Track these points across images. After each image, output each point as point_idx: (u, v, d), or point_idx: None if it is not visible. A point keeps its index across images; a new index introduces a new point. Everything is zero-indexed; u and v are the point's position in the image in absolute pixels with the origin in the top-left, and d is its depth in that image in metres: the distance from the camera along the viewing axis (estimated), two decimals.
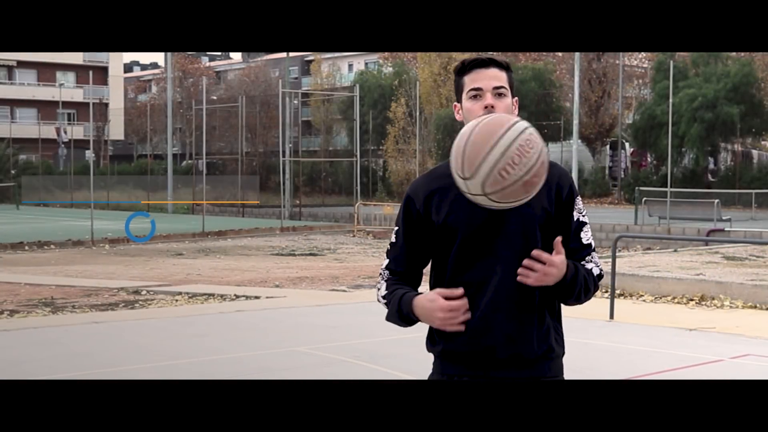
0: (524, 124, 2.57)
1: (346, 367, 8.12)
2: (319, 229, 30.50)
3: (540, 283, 2.66)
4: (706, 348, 9.13)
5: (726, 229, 25.02)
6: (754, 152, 44.64)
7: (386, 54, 56.41)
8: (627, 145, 44.58)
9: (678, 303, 11.98)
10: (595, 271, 2.84)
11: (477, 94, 2.79)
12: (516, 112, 2.82)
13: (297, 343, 9.33)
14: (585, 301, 2.82)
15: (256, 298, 13.21)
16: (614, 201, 41.17)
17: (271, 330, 10.33)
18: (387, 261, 2.91)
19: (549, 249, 2.72)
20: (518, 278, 2.65)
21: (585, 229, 2.87)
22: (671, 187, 28.73)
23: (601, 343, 9.35)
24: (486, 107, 2.76)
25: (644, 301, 12.21)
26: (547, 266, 2.63)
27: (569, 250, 2.80)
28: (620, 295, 12.22)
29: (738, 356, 8.76)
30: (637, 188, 31.32)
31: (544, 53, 44.87)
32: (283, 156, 36.26)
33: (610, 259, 11.73)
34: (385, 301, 2.86)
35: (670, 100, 31.19)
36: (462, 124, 2.82)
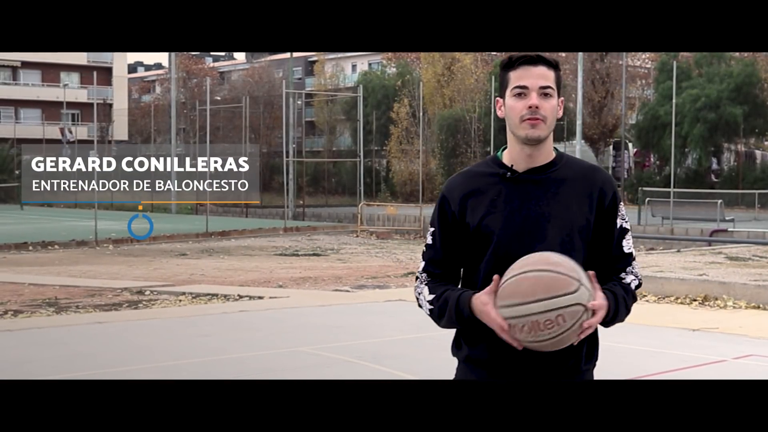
0: (579, 298, 2.52)
1: (349, 367, 8.12)
2: (322, 229, 30.51)
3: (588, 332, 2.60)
4: (709, 348, 9.12)
5: (729, 229, 25.02)
6: (758, 153, 44.57)
7: (389, 54, 56.45)
8: (630, 145, 44.53)
9: (681, 303, 11.97)
10: (633, 284, 2.76)
11: (522, 92, 2.66)
12: (561, 113, 2.73)
13: (300, 344, 9.33)
14: (621, 321, 2.77)
15: (260, 298, 13.21)
16: None
17: (275, 330, 10.34)
18: (423, 264, 2.79)
19: (589, 258, 2.68)
20: (576, 341, 2.61)
21: (627, 236, 2.77)
22: (674, 187, 28.73)
23: (604, 343, 9.26)
24: (530, 107, 2.65)
25: (647, 301, 12.20)
26: (595, 319, 2.58)
27: (609, 258, 2.75)
28: None
29: (741, 357, 8.75)
30: (640, 188, 31.33)
31: (547, 53, 44.75)
32: (287, 156, 36.27)
33: None
34: (432, 306, 2.72)
35: (674, 101, 31.20)
36: (503, 120, 2.75)
